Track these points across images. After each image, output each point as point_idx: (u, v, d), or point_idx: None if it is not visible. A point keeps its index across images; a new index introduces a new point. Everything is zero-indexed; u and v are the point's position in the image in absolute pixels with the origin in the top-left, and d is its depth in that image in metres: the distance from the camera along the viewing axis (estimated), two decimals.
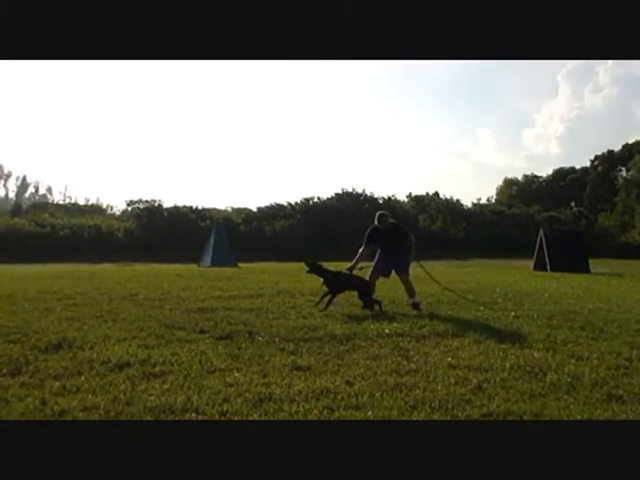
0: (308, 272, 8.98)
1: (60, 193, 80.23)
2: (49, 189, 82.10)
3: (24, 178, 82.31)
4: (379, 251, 9.18)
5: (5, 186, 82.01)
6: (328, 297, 8.48)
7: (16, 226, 43.43)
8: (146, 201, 49.89)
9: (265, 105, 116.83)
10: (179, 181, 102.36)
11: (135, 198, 50.90)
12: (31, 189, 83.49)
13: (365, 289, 8.59)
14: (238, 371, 4.76)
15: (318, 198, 53.06)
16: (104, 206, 69.67)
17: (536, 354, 5.44)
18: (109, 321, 7.31)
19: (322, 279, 8.78)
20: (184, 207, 49.57)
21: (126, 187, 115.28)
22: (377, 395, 4.09)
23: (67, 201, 73.02)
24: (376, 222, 8.99)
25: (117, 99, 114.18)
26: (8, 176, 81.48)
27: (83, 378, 4.55)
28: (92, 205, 69.68)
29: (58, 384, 4.37)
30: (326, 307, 8.28)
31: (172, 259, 32.43)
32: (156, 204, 49.50)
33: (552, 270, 21.53)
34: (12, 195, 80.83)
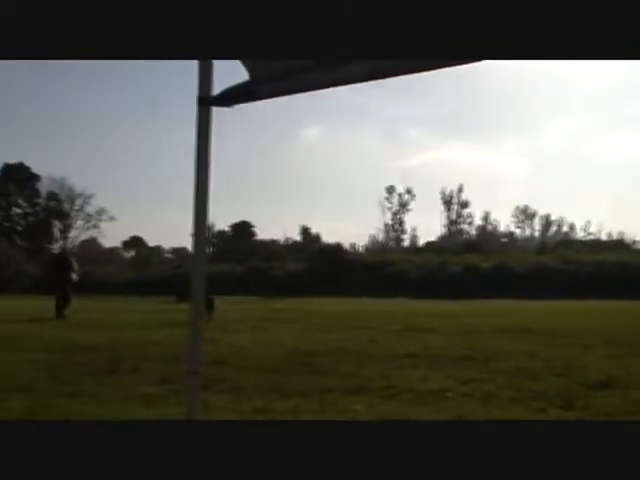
0: None
1: (582, 230, 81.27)
2: (571, 226, 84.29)
3: (547, 217, 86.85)
4: None
5: (531, 226, 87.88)
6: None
7: (542, 263, 45.92)
8: None
9: None
10: None
11: None
12: (554, 227, 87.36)
13: None
14: None
15: None
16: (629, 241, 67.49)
17: None
18: None
19: None
20: None
21: None
22: None
23: (589, 237, 73.65)
24: None
25: None
26: (533, 216, 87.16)
27: None
28: (617, 241, 68.43)
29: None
30: None
31: None
32: None
33: None
34: (537, 234, 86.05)
